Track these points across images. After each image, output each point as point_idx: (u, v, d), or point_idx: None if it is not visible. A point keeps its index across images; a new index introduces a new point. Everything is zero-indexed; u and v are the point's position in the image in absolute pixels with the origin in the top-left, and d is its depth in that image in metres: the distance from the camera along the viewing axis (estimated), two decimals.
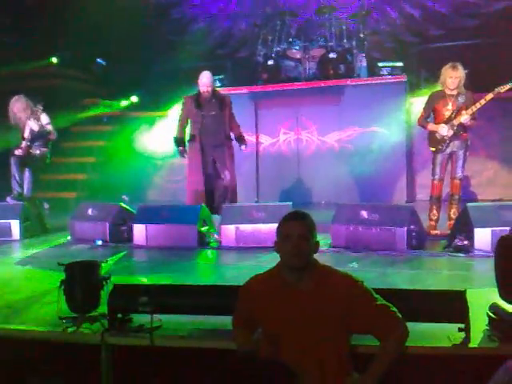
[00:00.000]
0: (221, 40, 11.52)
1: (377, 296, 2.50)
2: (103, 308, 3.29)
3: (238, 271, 4.90)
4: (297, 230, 2.47)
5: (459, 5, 10.38)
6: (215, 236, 6.20)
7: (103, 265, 3.53)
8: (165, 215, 6.24)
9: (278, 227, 2.56)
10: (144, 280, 4.61)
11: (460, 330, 2.84)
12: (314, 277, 2.49)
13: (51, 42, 10.59)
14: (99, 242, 6.22)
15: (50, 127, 7.22)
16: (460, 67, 5.90)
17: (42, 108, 7.09)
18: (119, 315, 3.22)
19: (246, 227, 5.93)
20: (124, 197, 9.14)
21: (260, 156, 9.65)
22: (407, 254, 5.27)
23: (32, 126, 7.10)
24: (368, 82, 9.15)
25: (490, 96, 5.83)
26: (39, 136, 7.18)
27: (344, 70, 9.21)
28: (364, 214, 5.63)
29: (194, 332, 3.15)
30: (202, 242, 6.02)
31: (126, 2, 10.53)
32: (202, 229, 6.11)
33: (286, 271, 2.52)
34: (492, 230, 5.05)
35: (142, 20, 11.13)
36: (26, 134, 7.16)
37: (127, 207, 6.63)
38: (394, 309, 2.48)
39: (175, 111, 10.08)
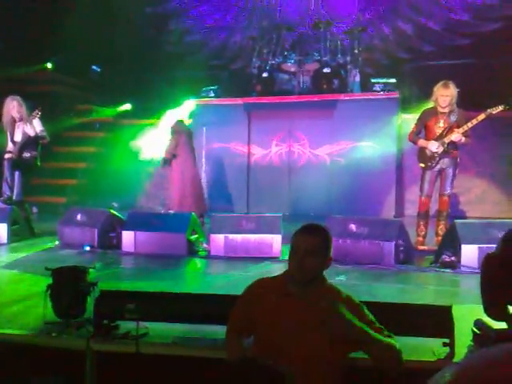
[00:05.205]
0: (216, 51, 11.58)
1: (374, 319, 2.49)
2: (89, 314, 3.27)
3: (226, 281, 4.91)
4: (304, 245, 2.44)
5: (452, 23, 10.52)
6: (204, 245, 6.20)
7: (91, 270, 3.52)
8: (154, 223, 6.24)
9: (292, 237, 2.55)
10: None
11: (445, 344, 2.86)
12: (317, 292, 2.47)
13: (46, 47, 10.59)
14: (87, 248, 6.19)
15: (44, 133, 7.20)
16: (452, 86, 5.94)
17: (39, 114, 7.04)
18: (105, 322, 3.21)
19: (236, 237, 5.94)
20: (114, 204, 9.11)
21: (251, 167, 9.67)
22: (395, 268, 5.29)
23: (27, 130, 7.08)
24: (361, 97, 9.23)
25: (481, 116, 5.89)
26: (32, 141, 7.15)
27: (337, 84, 9.29)
28: (353, 227, 5.65)
29: (180, 340, 3.14)
30: (191, 250, 6.03)
31: (123, 11, 10.59)
32: (192, 237, 6.12)
33: (290, 282, 2.51)
34: (479, 247, 5.08)
35: (139, 29, 11.19)
36: (18, 138, 7.13)
37: (117, 213, 6.61)
38: (387, 332, 2.47)
39: (166, 120, 10.18)
